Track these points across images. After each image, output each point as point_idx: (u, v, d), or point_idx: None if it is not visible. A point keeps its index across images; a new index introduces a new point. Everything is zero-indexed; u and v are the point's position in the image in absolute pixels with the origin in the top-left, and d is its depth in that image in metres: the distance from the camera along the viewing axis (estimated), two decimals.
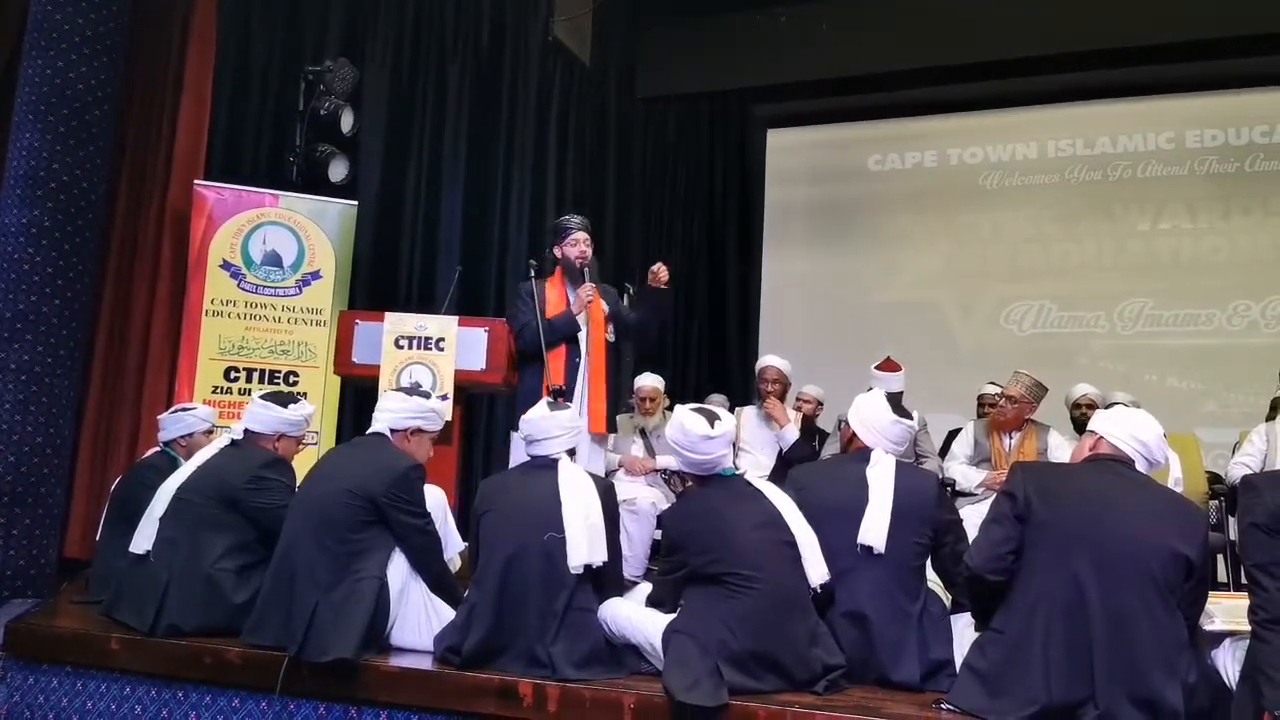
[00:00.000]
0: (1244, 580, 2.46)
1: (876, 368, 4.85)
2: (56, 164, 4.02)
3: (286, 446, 3.42)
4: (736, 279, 8.87)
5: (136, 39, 4.69)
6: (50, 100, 4.03)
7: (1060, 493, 2.51)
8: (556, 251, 4.34)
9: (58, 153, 4.02)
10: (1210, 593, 2.58)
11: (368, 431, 3.19)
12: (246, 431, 3.38)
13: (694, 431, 2.79)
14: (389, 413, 3.15)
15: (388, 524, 2.96)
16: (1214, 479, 4.97)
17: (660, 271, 4.26)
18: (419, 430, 3.18)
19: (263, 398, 3.44)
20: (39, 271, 3.97)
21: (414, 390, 3.26)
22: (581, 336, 4.17)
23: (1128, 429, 2.60)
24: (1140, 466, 2.57)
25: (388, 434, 3.13)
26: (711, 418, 2.83)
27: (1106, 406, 2.70)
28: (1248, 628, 2.40)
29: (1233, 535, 4.42)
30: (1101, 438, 2.62)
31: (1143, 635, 2.30)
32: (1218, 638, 2.57)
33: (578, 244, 4.25)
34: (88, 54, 4.10)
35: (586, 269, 4.20)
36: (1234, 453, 5.02)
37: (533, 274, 4.20)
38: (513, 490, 2.98)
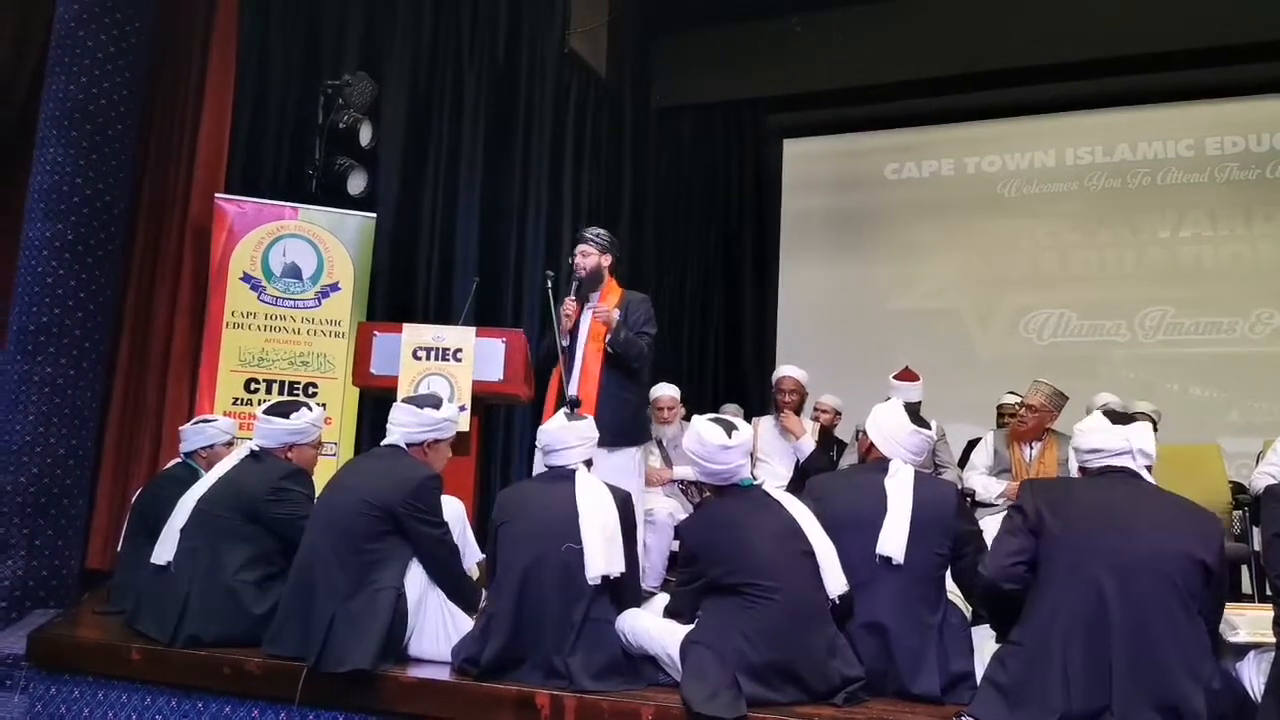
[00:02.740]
0: (1269, 591, 2.43)
1: (894, 377, 4.83)
2: (80, 178, 4.07)
3: (301, 455, 3.42)
4: (753, 288, 8.86)
5: (158, 55, 4.75)
6: (73, 116, 4.09)
7: (1072, 506, 2.50)
8: None
9: (81, 167, 4.08)
10: (1235, 604, 2.55)
11: (383, 443, 3.19)
12: (260, 448, 3.39)
13: (711, 441, 2.79)
14: (402, 427, 3.15)
15: (405, 534, 2.96)
16: (1238, 489, 4.91)
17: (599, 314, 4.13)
18: (435, 442, 3.19)
19: (265, 412, 3.43)
20: (62, 284, 4.02)
21: (424, 401, 3.22)
22: (578, 348, 4.13)
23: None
24: (1141, 466, 2.55)
25: (403, 446, 3.14)
26: (729, 428, 2.83)
27: (1128, 417, 2.67)
28: (1273, 639, 2.37)
29: (1257, 546, 4.37)
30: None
31: (1165, 642, 2.28)
32: (1242, 649, 2.55)
33: (576, 256, 4.25)
34: (110, 70, 4.16)
35: (577, 280, 4.19)
36: (1257, 462, 4.96)
37: (549, 284, 4.21)
38: (530, 501, 2.98)
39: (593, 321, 4.11)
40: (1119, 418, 2.62)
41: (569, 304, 4.13)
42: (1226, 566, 2.50)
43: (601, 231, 4.30)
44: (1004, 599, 2.54)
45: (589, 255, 4.21)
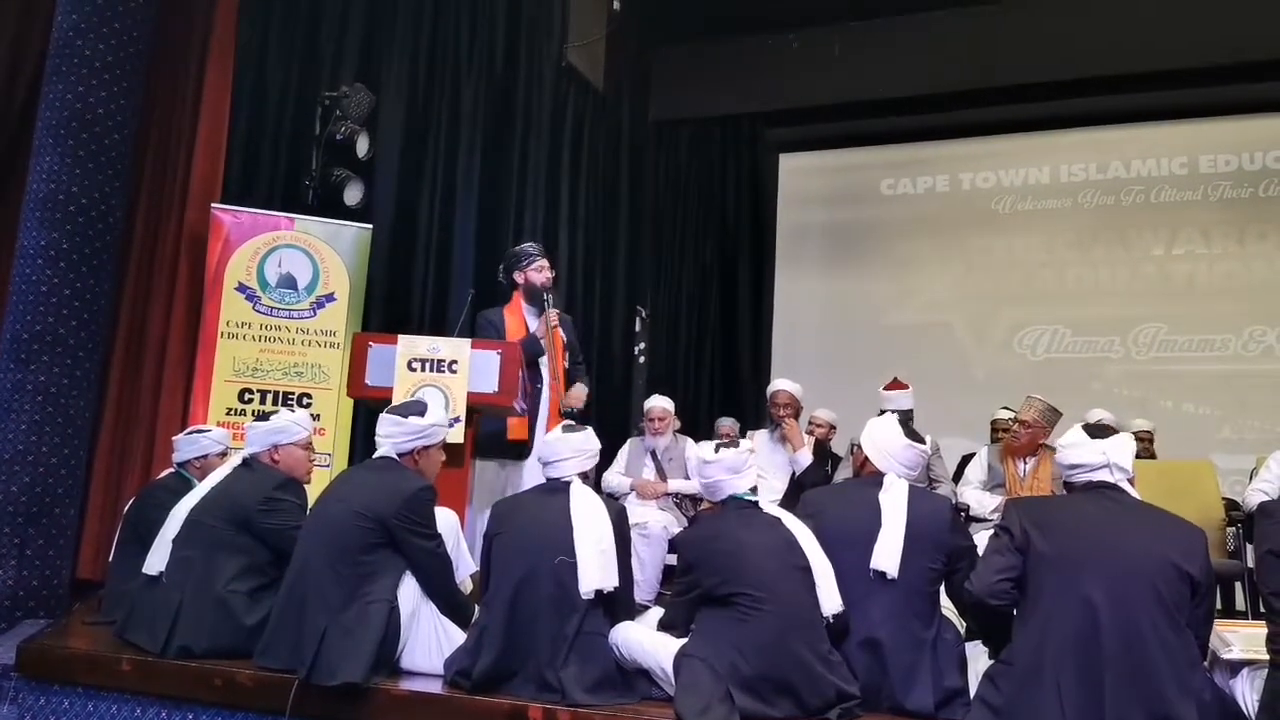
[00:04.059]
0: (1262, 608, 2.44)
1: (884, 389, 4.88)
2: (76, 187, 4.07)
3: (289, 455, 3.40)
4: (749, 302, 8.87)
5: (156, 64, 4.75)
6: (70, 124, 4.09)
7: (1056, 524, 2.51)
8: (517, 278, 4.47)
9: (77, 176, 4.08)
10: (1229, 621, 2.55)
11: (375, 454, 3.18)
12: (251, 456, 3.39)
13: (694, 456, 2.84)
14: (389, 439, 3.13)
15: (398, 546, 2.95)
16: (1231, 505, 4.92)
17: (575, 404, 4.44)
18: (425, 449, 3.18)
19: (252, 422, 3.47)
20: (57, 293, 4.01)
21: (408, 410, 3.20)
22: (543, 362, 4.31)
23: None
24: (1121, 479, 2.56)
25: (395, 457, 3.13)
26: (720, 446, 2.89)
27: (1108, 430, 2.67)
28: (1266, 656, 2.37)
29: (1250, 562, 4.38)
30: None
31: (1155, 656, 2.28)
32: (1236, 666, 2.55)
33: (542, 270, 4.41)
34: (108, 79, 4.16)
35: (549, 294, 4.34)
36: (1250, 479, 4.98)
37: (509, 295, 4.40)
38: (525, 513, 2.98)
39: (555, 336, 4.33)
40: (1098, 432, 2.64)
41: (551, 315, 4.31)
42: (1213, 580, 2.50)
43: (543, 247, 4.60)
44: (993, 616, 2.55)
45: (551, 269, 4.46)
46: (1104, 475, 2.56)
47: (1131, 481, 2.59)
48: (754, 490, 2.93)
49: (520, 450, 4.25)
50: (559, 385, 4.38)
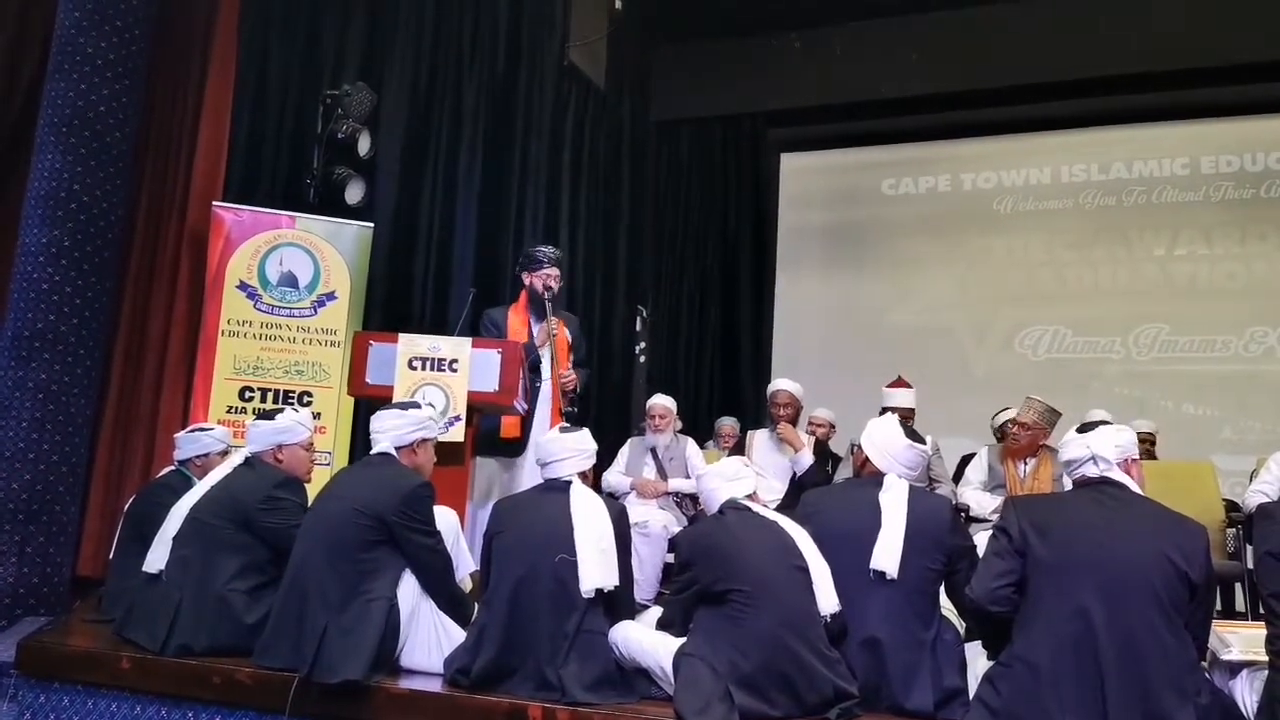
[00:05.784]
0: (1262, 610, 2.43)
1: (887, 386, 4.90)
2: (77, 185, 4.07)
3: (292, 455, 3.40)
4: (750, 301, 8.87)
5: (157, 63, 4.76)
6: (72, 122, 4.09)
7: (1055, 525, 2.49)
8: (525, 279, 4.51)
9: (78, 174, 4.08)
10: (1228, 622, 2.55)
11: (373, 451, 3.19)
12: (253, 454, 3.39)
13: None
14: (391, 431, 3.14)
15: (398, 543, 2.95)
16: (1231, 507, 4.92)
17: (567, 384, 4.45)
18: (423, 441, 3.19)
19: (254, 419, 3.48)
20: (58, 291, 4.02)
21: (406, 405, 3.26)
22: (544, 364, 4.37)
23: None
24: (1112, 470, 2.56)
25: (393, 453, 3.14)
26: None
27: (1096, 424, 2.68)
28: (1265, 658, 2.37)
29: (1250, 564, 4.38)
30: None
31: (1152, 658, 2.27)
32: (1235, 667, 2.55)
33: (546, 278, 4.44)
34: (109, 77, 4.17)
35: (549, 301, 4.37)
36: (1251, 480, 4.97)
37: (518, 293, 4.44)
38: (525, 512, 2.98)
39: (558, 339, 4.39)
40: (1090, 427, 2.65)
41: (551, 323, 4.36)
42: (1214, 579, 2.48)
43: (559, 254, 4.61)
44: (990, 619, 2.54)
45: (558, 279, 4.49)
46: (1091, 468, 2.56)
47: (1131, 470, 2.57)
48: (751, 497, 2.94)
49: (514, 448, 4.27)
50: (558, 388, 4.41)
